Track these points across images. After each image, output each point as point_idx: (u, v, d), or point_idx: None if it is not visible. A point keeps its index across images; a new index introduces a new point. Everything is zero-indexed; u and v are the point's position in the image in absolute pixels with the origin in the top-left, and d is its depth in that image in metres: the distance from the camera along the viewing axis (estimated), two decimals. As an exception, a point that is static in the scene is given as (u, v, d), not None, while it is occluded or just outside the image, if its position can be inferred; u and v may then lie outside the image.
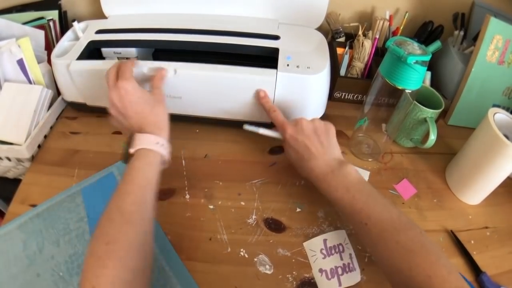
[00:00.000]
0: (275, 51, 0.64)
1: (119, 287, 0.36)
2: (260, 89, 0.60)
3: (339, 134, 0.71)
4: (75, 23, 0.69)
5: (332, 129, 0.56)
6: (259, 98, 0.60)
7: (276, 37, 0.67)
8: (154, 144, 0.49)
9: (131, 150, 0.48)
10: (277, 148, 0.68)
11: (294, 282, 0.51)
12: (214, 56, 0.64)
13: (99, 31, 0.69)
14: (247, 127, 0.60)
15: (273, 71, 0.60)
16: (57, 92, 0.72)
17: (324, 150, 0.54)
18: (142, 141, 0.49)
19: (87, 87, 0.65)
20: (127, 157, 0.49)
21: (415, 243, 0.43)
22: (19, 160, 0.63)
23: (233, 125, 0.67)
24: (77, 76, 0.63)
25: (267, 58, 0.63)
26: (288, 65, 0.61)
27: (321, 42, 0.69)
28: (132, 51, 0.67)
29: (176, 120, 0.71)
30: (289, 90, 0.61)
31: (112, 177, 0.62)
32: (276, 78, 0.60)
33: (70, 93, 0.68)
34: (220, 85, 0.62)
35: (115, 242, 0.39)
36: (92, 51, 0.67)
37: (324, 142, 0.54)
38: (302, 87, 0.62)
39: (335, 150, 0.55)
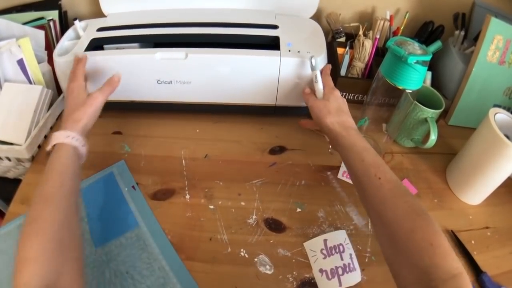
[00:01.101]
0: (276, 39, 0.66)
1: (48, 255, 0.40)
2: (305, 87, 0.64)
3: (340, 134, 0.72)
4: (76, 22, 0.69)
5: (346, 105, 0.62)
6: (304, 95, 0.65)
7: (275, 27, 0.70)
8: (65, 138, 0.51)
9: (47, 148, 0.51)
10: (277, 148, 0.68)
11: (295, 282, 0.51)
12: (215, 47, 0.65)
13: (100, 29, 0.69)
14: (313, 59, 0.62)
15: (277, 52, 0.64)
16: (57, 92, 0.72)
17: (348, 113, 0.59)
18: (55, 138, 0.51)
19: (95, 80, 0.66)
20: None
21: (420, 207, 0.44)
22: (19, 160, 0.63)
23: (236, 113, 0.70)
24: (87, 69, 0.63)
25: (266, 48, 0.65)
26: (289, 50, 0.64)
27: (316, 29, 0.73)
28: (135, 46, 0.68)
29: (181, 112, 0.73)
30: (292, 73, 0.65)
31: (112, 177, 0.62)
32: (280, 64, 0.63)
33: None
34: (228, 68, 0.64)
35: (37, 220, 0.42)
36: (95, 49, 0.67)
37: (346, 108, 0.61)
38: (304, 70, 0.65)
39: (350, 115, 0.61)
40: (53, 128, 0.70)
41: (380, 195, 0.47)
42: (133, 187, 0.61)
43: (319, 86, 0.61)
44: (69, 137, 0.51)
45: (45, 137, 0.67)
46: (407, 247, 0.41)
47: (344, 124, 0.56)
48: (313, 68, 0.61)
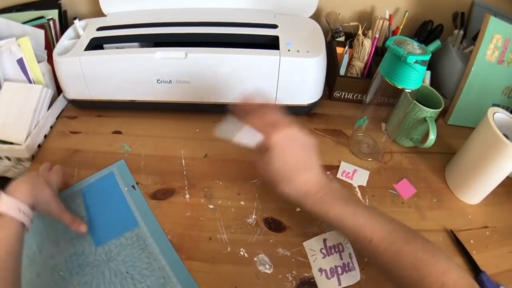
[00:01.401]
0: (275, 38, 0.67)
1: None
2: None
3: (339, 134, 0.72)
4: (76, 21, 0.69)
5: (314, 144, 0.50)
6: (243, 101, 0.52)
7: (274, 26, 0.70)
8: (17, 211, 0.45)
9: None
10: (277, 147, 0.68)
11: (294, 282, 0.51)
12: (214, 47, 0.65)
13: (100, 28, 0.69)
14: (219, 132, 0.51)
15: (276, 51, 0.63)
16: (57, 92, 0.72)
17: (315, 162, 0.48)
18: (7, 204, 0.45)
19: (95, 81, 0.67)
20: None
21: (425, 252, 0.42)
22: (19, 160, 0.63)
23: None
24: (88, 68, 0.65)
25: (265, 47, 0.65)
26: (289, 50, 0.64)
27: (316, 28, 0.73)
28: (134, 45, 0.68)
29: (181, 112, 0.73)
30: (291, 73, 0.65)
31: (112, 177, 0.62)
32: (279, 63, 0.63)
33: (74, 90, 0.68)
34: (228, 67, 0.65)
35: None
36: (95, 48, 0.67)
37: (313, 154, 0.49)
38: (303, 70, 0.65)
39: (320, 167, 0.49)
40: (53, 128, 0.70)
41: (378, 257, 0.44)
42: (133, 186, 0.61)
43: (251, 139, 0.48)
44: (21, 212, 0.45)
45: (45, 136, 0.67)
46: None
47: (301, 191, 0.46)
48: (230, 138, 0.49)
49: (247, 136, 0.49)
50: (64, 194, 0.59)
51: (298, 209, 0.59)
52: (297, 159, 0.47)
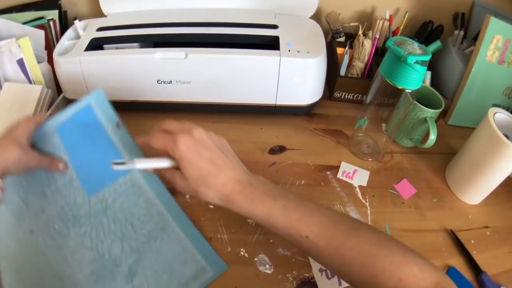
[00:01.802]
0: (276, 39, 0.66)
1: None
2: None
3: (339, 134, 0.72)
4: (76, 21, 0.69)
5: (227, 143, 0.47)
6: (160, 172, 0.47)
7: (274, 26, 0.70)
8: None
9: None
10: (277, 147, 0.68)
11: (294, 282, 0.51)
12: (214, 47, 0.65)
13: (100, 29, 0.69)
14: (115, 167, 0.45)
15: (277, 52, 0.63)
16: (57, 92, 0.72)
17: (231, 161, 0.44)
18: None
19: (94, 81, 0.66)
20: None
21: (373, 244, 0.37)
22: (19, 160, 0.63)
23: (236, 112, 0.70)
24: (88, 69, 0.64)
25: (265, 48, 0.65)
26: (289, 50, 0.64)
27: (316, 29, 0.73)
28: (134, 46, 0.68)
29: (181, 112, 0.73)
30: (291, 73, 0.65)
31: (90, 111, 0.54)
32: (279, 63, 0.63)
33: (74, 90, 0.68)
34: (228, 67, 0.65)
35: None
36: (95, 49, 0.67)
37: (228, 153, 0.45)
38: (303, 70, 0.65)
39: (240, 164, 0.46)
40: None
41: (318, 255, 0.40)
42: (117, 124, 0.54)
43: (156, 163, 0.45)
44: None
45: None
46: None
47: (224, 194, 0.42)
48: (132, 167, 0.44)
49: (150, 160, 0.45)
50: (36, 135, 0.51)
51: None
52: (209, 163, 0.42)
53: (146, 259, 0.50)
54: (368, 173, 0.66)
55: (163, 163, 0.44)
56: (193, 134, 0.42)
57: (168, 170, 0.45)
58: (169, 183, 0.45)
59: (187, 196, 0.60)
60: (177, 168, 0.43)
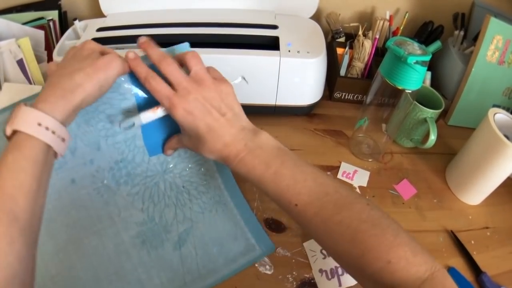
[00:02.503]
0: (276, 39, 0.66)
1: None
2: (129, 51, 0.44)
3: (340, 134, 0.72)
4: (76, 22, 0.69)
5: (228, 87, 0.44)
6: (129, 61, 0.42)
7: (274, 27, 0.70)
8: (36, 127, 0.33)
9: (7, 130, 0.33)
10: (277, 148, 0.68)
11: (294, 283, 0.51)
12: (214, 47, 0.65)
13: (100, 29, 0.69)
14: (123, 124, 0.44)
15: (277, 52, 0.63)
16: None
17: (230, 121, 0.42)
18: (21, 118, 0.33)
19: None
20: (6, 137, 0.35)
21: (364, 221, 0.35)
22: (19, 160, 0.63)
23: None
24: None
25: (265, 48, 0.65)
26: (289, 51, 0.64)
27: (316, 29, 0.73)
28: (134, 46, 0.68)
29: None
30: (291, 73, 0.65)
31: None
32: (279, 63, 0.63)
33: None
34: (228, 68, 0.63)
35: None
36: (94, 50, 0.67)
37: (228, 108, 0.42)
38: (303, 70, 0.65)
39: (240, 115, 0.43)
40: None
41: (306, 224, 0.39)
42: None
43: (155, 114, 0.43)
44: (41, 127, 0.33)
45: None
46: (365, 274, 0.35)
47: (222, 156, 0.42)
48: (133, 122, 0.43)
49: (148, 112, 0.43)
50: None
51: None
52: (206, 129, 0.41)
53: (197, 229, 0.49)
54: (368, 173, 0.66)
55: (158, 113, 0.43)
56: (191, 92, 0.40)
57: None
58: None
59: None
60: None
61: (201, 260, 0.48)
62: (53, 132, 0.34)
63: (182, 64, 0.44)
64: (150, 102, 0.44)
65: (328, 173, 0.65)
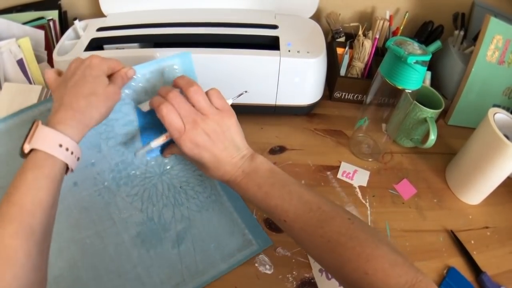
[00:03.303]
0: (276, 39, 0.66)
1: None
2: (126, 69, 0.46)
3: (340, 134, 0.72)
4: (76, 22, 0.69)
5: (231, 118, 0.46)
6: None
7: (274, 27, 0.70)
8: (57, 148, 0.36)
9: (26, 147, 0.35)
10: (277, 148, 0.68)
11: (294, 282, 0.51)
12: (214, 47, 0.65)
13: (100, 29, 0.69)
14: (139, 153, 0.47)
15: (277, 52, 0.63)
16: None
17: (230, 152, 0.45)
18: (42, 138, 0.36)
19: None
20: (22, 153, 0.36)
21: (343, 234, 0.38)
22: (19, 160, 0.63)
23: (236, 113, 0.68)
24: None
25: (265, 48, 0.65)
26: (289, 51, 0.64)
27: (316, 29, 0.73)
28: (134, 46, 0.68)
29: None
30: (291, 73, 0.65)
31: (172, 72, 0.52)
32: (279, 63, 0.63)
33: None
34: (228, 68, 0.64)
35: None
36: (95, 49, 0.67)
37: (227, 140, 0.45)
38: (303, 70, 0.65)
39: (241, 146, 0.46)
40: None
41: (295, 237, 0.43)
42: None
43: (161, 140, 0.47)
44: (62, 148, 0.36)
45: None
46: (347, 283, 0.37)
47: (223, 180, 0.46)
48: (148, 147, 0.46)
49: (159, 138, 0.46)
50: None
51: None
52: (210, 158, 0.44)
53: (195, 227, 0.51)
54: (368, 173, 0.66)
55: (165, 138, 0.46)
56: (199, 125, 0.43)
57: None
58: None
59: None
60: None
61: (199, 256, 0.50)
62: (72, 153, 0.38)
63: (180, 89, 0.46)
64: (150, 115, 0.49)
65: (328, 172, 0.65)
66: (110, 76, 0.45)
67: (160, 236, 0.50)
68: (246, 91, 0.49)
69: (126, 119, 0.49)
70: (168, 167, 0.52)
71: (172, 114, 0.42)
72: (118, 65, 0.45)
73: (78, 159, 0.40)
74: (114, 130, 0.48)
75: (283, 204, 0.42)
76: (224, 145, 0.45)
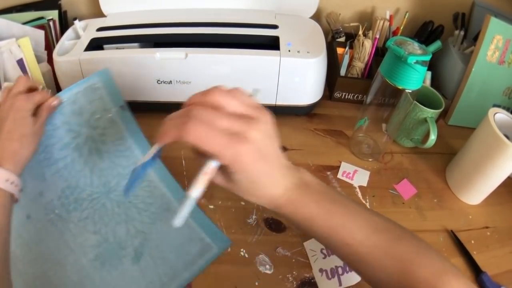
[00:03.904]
0: (276, 39, 0.66)
1: None
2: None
3: (340, 134, 0.72)
4: (76, 22, 0.69)
5: (268, 121, 0.38)
6: (165, 135, 0.34)
7: (275, 26, 0.70)
8: (4, 182, 0.42)
9: None
10: (277, 148, 0.68)
11: (294, 282, 0.51)
12: (214, 47, 0.65)
13: (100, 29, 0.69)
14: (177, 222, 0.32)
15: (277, 52, 0.63)
16: (57, 92, 0.72)
17: (281, 166, 0.38)
18: None
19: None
20: None
21: (414, 252, 0.36)
22: (19, 160, 0.63)
23: None
24: (88, 69, 0.64)
25: (265, 48, 0.65)
26: (289, 50, 0.64)
27: (316, 29, 0.73)
28: (134, 46, 0.68)
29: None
30: (291, 73, 0.65)
31: (98, 93, 0.52)
32: (279, 63, 0.63)
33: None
34: (228, 68, 0.65)
35: None
36: (95, 49, 0.67)
37: (274, 140, 0.39)
38: (303, 70, 0.65)
39: (282, 154, 0.39)
40: None
41: (359, 262, 0.38)
42: (121, 107, 0.53)
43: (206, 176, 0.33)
44: (8, 182, 0.42)
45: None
46: None
47: (268, 200, 0.38)
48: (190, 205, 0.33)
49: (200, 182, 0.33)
50: None
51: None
52: (264, 176, 0.36)
53: (151, 240, 0.50)
54: (368, 173, 0.66)
55: (209, 172, 0.34)
56: (252, 139, 0.33)
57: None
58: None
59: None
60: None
61: (161, 269, 0.49)
62: (16, 185, 0.43)
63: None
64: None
65: (328, 172, 0.65)
66: (37, 108, 0.47)
67: (118, 255, 0.49)
68: (258, 89, 0.43)
69: (62, 143, 0.50)
70: (113, 184, 0.51)
71: (208, 132, 0.31)
72: (43, 97, 0.48)
73: (20, 190, 0.44)
74: (53, 156, 0.49)
75: (348, 224, 0.37)
76: (277, 152, 0.37)
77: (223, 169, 0.35)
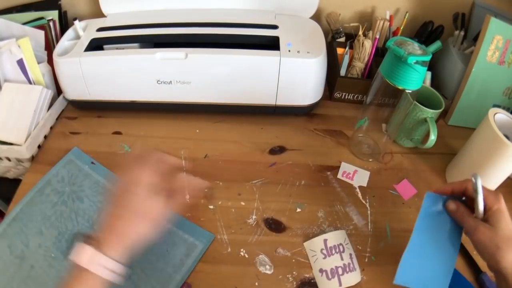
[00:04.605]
0: (276, 39, 0.66)
1: None
2: (449, 202, 0.47)
3: (340, 134, 0.72)
4: (76, 22, 0.69)
5: None
6: (454, 214, 0.46)
7: (275, 27, 0.70)
8: (97, 267, 0.40)
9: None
10: (277, 148, 0.68)
11: (294, 282, 0.51)
12: (215, 47, 0.65)
13: (100, 29, 0.69)
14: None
15: (277, 52, 0.63)
16: (57, 92, 0.72)
17: None
18: (87, 257, 0.41)
19: (96, 80, 0.67)
20: None
21: None
22: (19, 160, 0.63)
23: (236, 113, 0.70)
24: (88, 69, 0.65)
25: (265, 48, 0.65)
26: (289, 51, 0.64)
27: (316, 29, 0.73)
28: (134, 46, 0.68)
29: (181, 112, 0.73)
30: (292, 73, 0.65)
31: (72, 163, 0.64)
32: (279, 63, 0.63)
33: (74, 91, 0.68)
34: (228, 68, 0.65)
35: None
36: (95, 49, 0.67)
37: None
38: (303, 70, 0.65)
39: None
40: (53, 128, 0.70)
41: None
42: (92, 163, 0.63)
43: (480, 201, 0.43)
44: (102, 267, 0.39)
45: (45, 137, 0.67)
46: None
47: None
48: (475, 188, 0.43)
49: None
50: (33, 191, 0.59)
51: (298, 210, 0.59)
52: None
53: (138, 254, 0.51)
54: (368, 173, 0.66)
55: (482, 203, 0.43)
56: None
57: (472, 219, 0.44)
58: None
59: (187, 197, 0.60)
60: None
61: (153, 278, 0.51)
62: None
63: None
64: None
65: (328, 172, 0.65)
66: None
67: None
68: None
69: (52, 203, 0.58)
70: (95, 217, 0.56)
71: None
72: None
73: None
74: (47, 214, 0.56)
75: None
76: None
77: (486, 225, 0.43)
